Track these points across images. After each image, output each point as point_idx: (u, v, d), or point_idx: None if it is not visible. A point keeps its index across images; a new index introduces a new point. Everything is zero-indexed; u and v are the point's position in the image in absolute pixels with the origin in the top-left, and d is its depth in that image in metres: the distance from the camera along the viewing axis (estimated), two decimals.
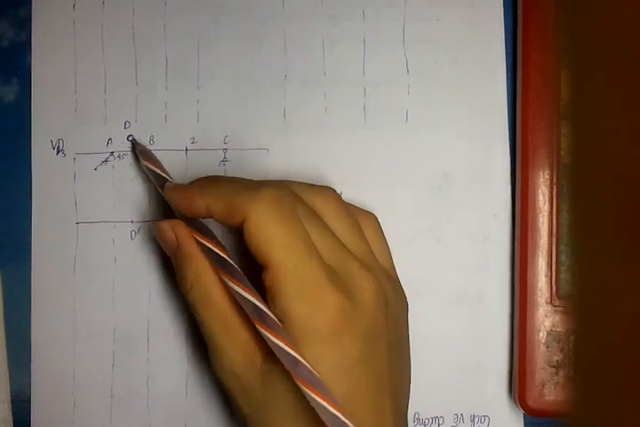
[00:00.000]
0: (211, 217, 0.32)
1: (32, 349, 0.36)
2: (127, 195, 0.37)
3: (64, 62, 0.37)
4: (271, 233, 0.30)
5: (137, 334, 0.36)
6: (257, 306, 0.30)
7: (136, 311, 0.36)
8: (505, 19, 0.38)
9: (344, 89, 0.38)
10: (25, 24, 0.37)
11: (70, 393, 0.36)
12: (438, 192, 0.38)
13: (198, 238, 0.32)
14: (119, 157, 0.37)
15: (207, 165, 0.37)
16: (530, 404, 0.36)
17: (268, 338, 0.29)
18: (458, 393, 0.37)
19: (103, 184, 0.37)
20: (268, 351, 0.30)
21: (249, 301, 0.30)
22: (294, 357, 0.29)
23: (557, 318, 0.36)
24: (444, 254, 0.38)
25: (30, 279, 0.36)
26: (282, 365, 0.29)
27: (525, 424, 0.37)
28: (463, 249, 0.38)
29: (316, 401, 0.28)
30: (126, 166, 0.37)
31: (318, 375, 0.29)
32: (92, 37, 0.37)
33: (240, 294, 0.30)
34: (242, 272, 0.31)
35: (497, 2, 0.38)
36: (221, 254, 0.31)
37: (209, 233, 0.32)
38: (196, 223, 0.32)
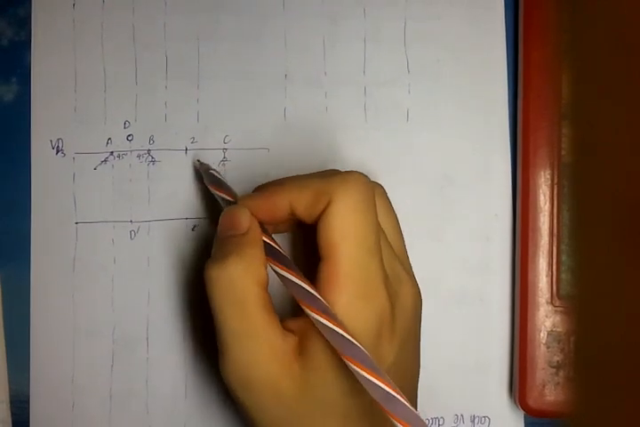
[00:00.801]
0: (290, 218, 0.31)
1: (31, 349, 0.36)
2: (126, 195, 0.36)
3: (64, 61, 0.37)
4: (351, 221, 0.29)
5: (136, 335, 0.36)
6: (308, 291, 0.29)
7: (135, 311, 0.36)
8: (506, 18, 0.38)
9: (345, 88, 0.38)
10: (24, 23, 0.37)
11: (69, 393, 0.36)
12: (439, 192, 0.38)
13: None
14: (119, 156, 0.37)
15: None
16: (530, 404, 0.36)
17: (319, 321, 0.28)
18: (458, 394, 0.37)
19: (102, 184, 0.37)
20: (303, 353, 0.29)
21: (299, 285, 0.29)
22: (347, 339, 0.28)
23: (558, 318, 0.35)
24: (444, 254, 0.38)
25: (29, 279, 0.36)
26: (323, 365, 0.29)
27: (526, 425, 0.37)
28: (464, 249, 0.38)
29: (370, 382, 0.27)
30: (126, 166, 0.37)
31: (370, 356, 0.28)
32: (91, 36, 0.37)
33: (290, 280, 0.29)
34: (291, 260, 0.30)
35: (498, 1, 0.38)
36: (271, 243, 0.30)
37: (262, 227, 0.31)
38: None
